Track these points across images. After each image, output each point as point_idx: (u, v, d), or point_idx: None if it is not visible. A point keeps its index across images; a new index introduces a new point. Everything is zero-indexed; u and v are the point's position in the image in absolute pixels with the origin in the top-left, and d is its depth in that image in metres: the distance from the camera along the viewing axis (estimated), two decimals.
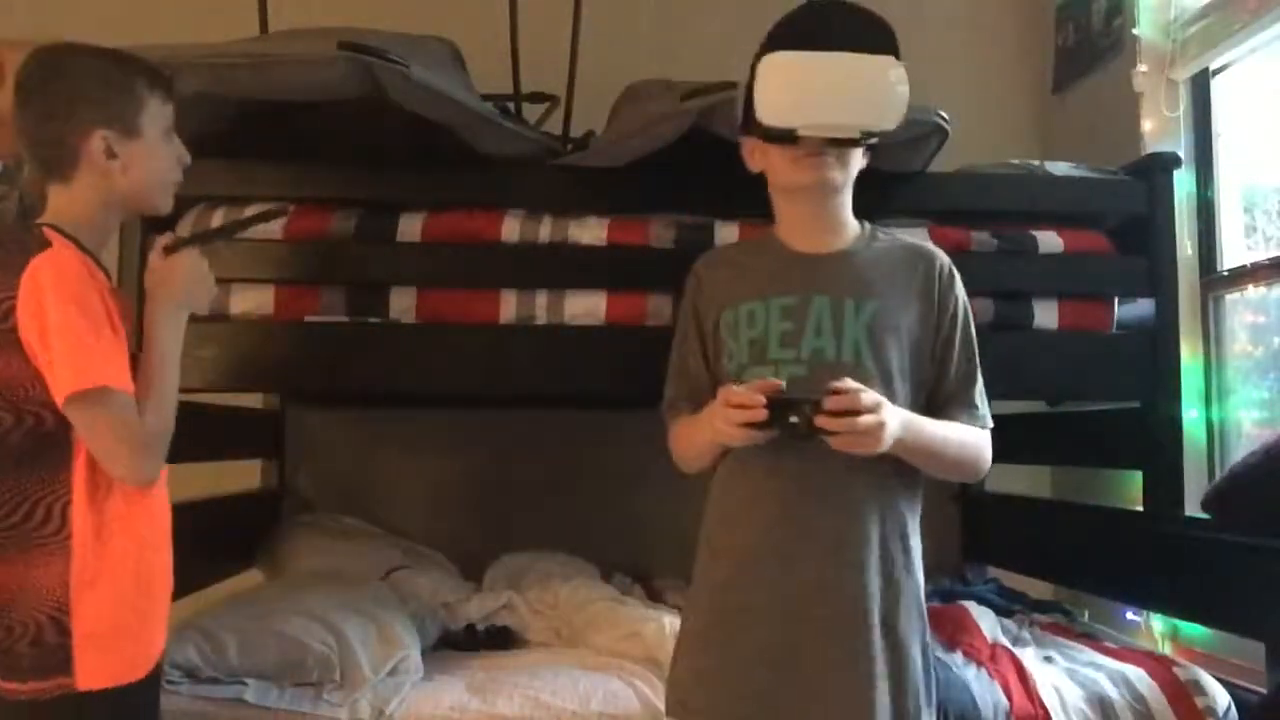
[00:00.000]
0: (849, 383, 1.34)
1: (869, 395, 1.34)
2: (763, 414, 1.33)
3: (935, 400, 1.54)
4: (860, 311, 1.46)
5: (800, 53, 1.44)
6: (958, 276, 1.57)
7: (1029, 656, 2.16)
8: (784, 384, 1.39)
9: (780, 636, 1.43)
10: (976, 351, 1.57)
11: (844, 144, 1.47)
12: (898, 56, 1.46)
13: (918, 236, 2.21)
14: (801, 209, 1.55)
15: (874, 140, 1.51)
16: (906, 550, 1.51)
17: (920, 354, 1.51)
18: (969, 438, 1.52)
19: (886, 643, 1.45)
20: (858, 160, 1.53)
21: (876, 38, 1.44)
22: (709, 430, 1.45)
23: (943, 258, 1.57)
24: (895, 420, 1.37)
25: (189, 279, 1.47)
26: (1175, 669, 2.07)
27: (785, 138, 1.46)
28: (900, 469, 1.48)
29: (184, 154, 1.52)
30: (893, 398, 1.42)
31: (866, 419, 1.32)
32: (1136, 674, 2.05)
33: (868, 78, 1.42)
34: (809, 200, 1.54)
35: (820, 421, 1.31)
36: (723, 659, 1.46)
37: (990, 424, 1.55)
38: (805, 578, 1.43)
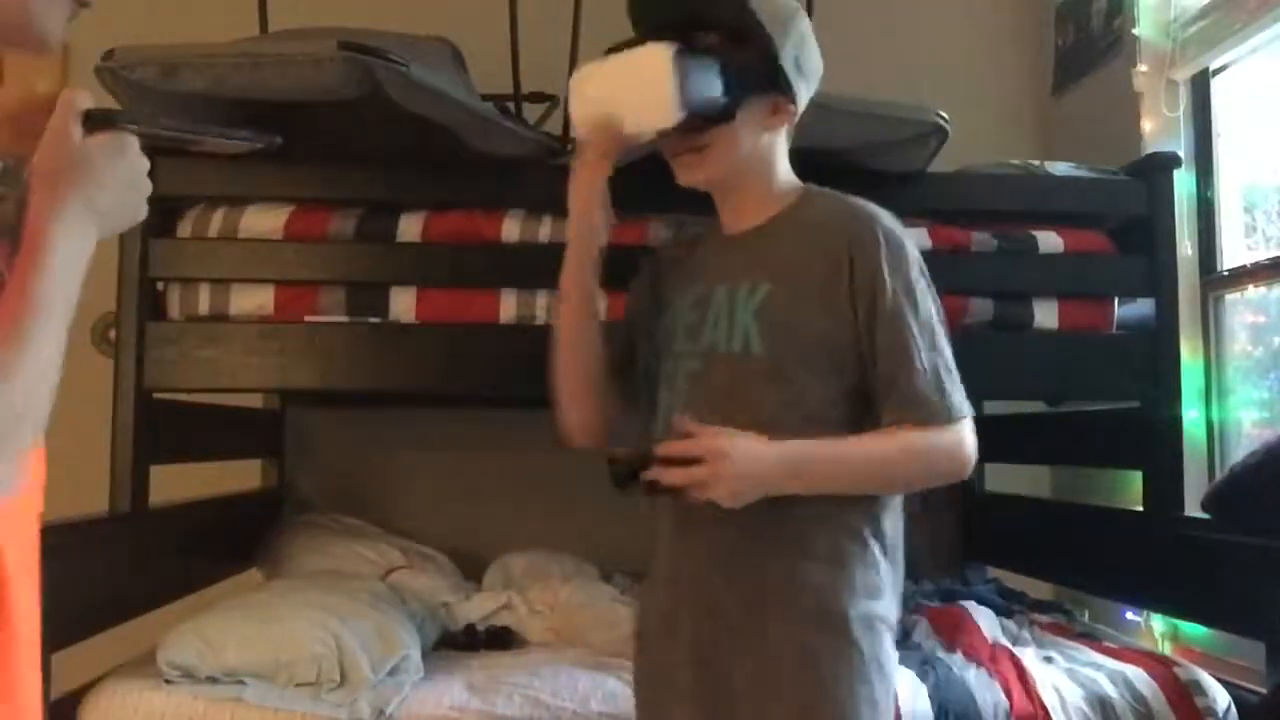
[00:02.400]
0: (690, 425, 1.21)
1: (705, 442, 1.19)
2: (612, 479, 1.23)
3: (874, 393, 1.30)
4: (752, 296, 1.31)
5: (590, 64, 1.39)
6: (888, 241, 1.30)
7: (1029, 656, 2.16)
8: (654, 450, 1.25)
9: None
10: (917, 329, 1.28)
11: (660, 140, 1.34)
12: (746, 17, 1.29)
13: (917, 236, 2.21)
14: (719, 200, 1.44)
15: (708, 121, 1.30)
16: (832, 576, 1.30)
17: (834, 342, 1.29)
18: (896, 446, 1.27)
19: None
20: (742, 137, 1.34)
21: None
22: None
23: (865, 220, 1.31)
24: (757, 463, 1.20)
25: (117, 173, 0.88)
26: (1175, 669, 2.07)
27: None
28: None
29: None
30: (796, 393, 1.28)
31: (699, 471, 1.17)
32: (1136, 674, 2.05)
33: (639, 77, 1.28)
34: (715, 193, 1.43)
35: (653, 474, 1.19)
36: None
37: (958, 414, 1.27)
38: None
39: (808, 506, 1.27)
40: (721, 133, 1.31)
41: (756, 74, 1.31)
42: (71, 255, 0.84)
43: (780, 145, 1.40)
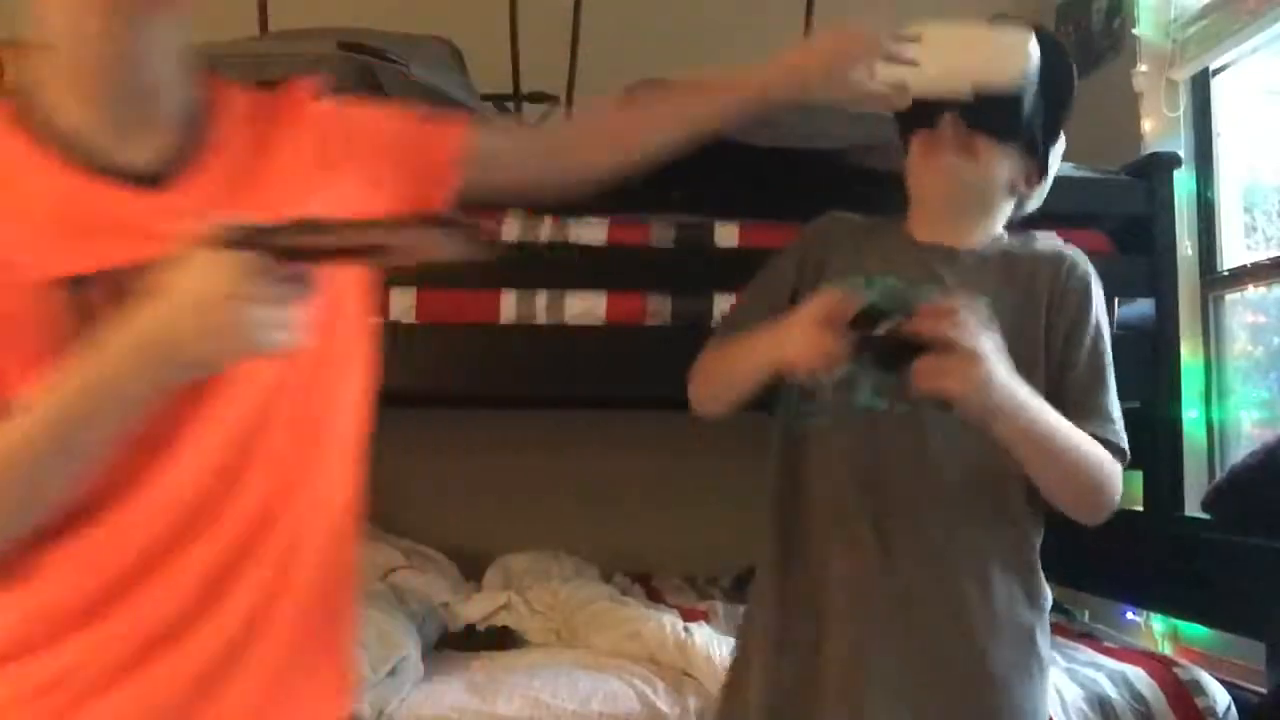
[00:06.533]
0: (953, 309, 1.11)
1: (974, 319, 1.09)
2: (849, 312, 1.11)
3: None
4: None
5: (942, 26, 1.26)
6: (1088, 280, 1.36)
7: None
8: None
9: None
10: (1107, 364, 1.36)
11: (953, 106, 1.29)
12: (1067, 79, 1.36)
13: None
14: (929, 206, 1.39)
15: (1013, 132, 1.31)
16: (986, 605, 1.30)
17: (1033, 372, 1.26)
18: (1091, 445, 1.26)
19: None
20: (1002, 170, 1.34)
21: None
22: (766, 348, 1.22)
23: (1071, 260, 1.37)
24: (1001, 368, 1.11)
25: (232, 308, 0.70)
26: (1175, 669, 2.07)
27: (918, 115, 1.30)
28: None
29: None
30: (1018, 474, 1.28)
31: (951, 363, 1.06)
32: (1136, 674, 2.05)
33: (1000, 42, 1.28)
34: (937, 198, 1.38)
35: (911, 325, 1.07)
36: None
37: (1122, 441, 1.31)
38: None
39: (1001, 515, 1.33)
40: (995, 149, 1.32)
41: (1044, 136, 1.36)
42: (116, 372, 0.71)
43: (1008, 209, 1.41)
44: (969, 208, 1.38)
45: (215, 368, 0.75)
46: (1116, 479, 1.29)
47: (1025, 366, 1.21)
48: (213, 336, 0.70)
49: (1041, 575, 1.39)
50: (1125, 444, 1.30)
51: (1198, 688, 2.02)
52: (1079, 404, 1.29)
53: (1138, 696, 1.99)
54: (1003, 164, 1.34)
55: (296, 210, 0.73)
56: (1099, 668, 2.10)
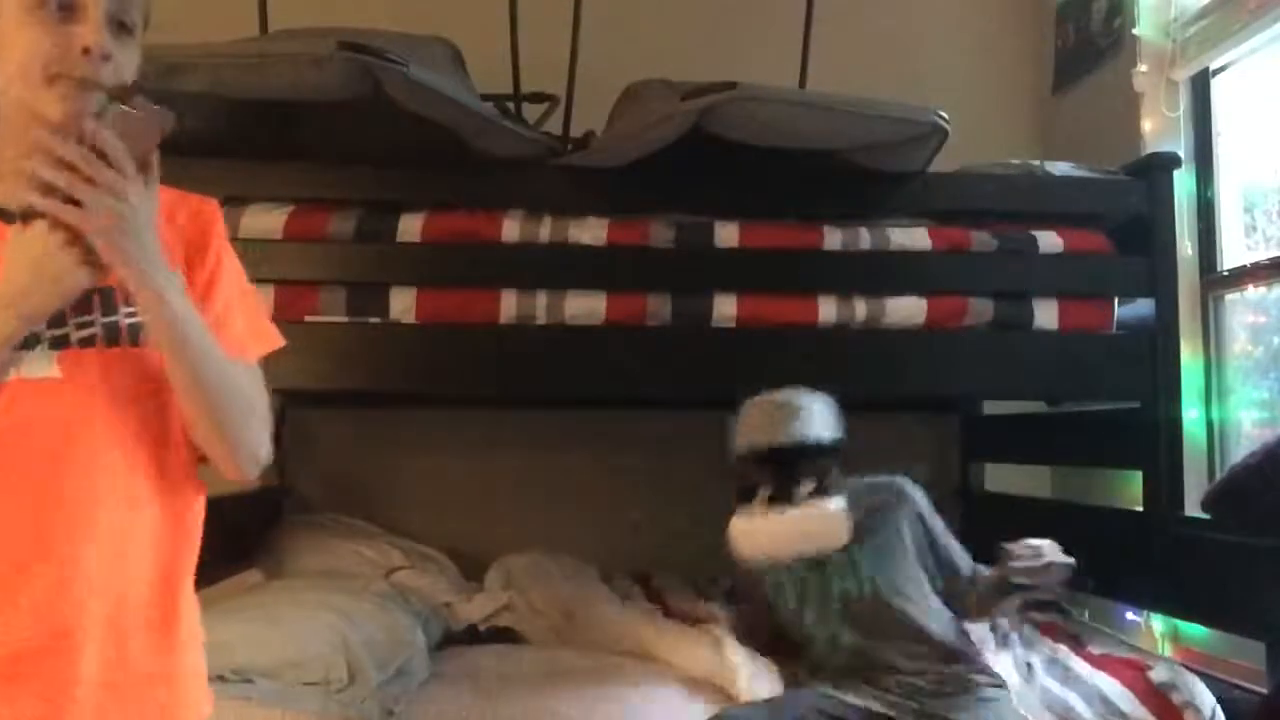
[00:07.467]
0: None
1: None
2: None
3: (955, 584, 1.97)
4: (862, 552, 1.88)
5: (758, 519, 1.83)
6: (915, 497, 1.94)
7: (1006, 665, 2.11)
8: None
9: None
10: (944, 534, 1.97)
11: None
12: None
13: (917, 236, 2.22)
14: None
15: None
16: None
17: (922, 563, 1.93)
18: None
19: None
20: None
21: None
22: None
23: (894, 489, 1.95)
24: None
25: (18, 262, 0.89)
26: (1148, 673, 2.03)
27: None
28: None
29: (89, 37, 0.95)
30: (921, 597, 1.89)
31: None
32: (1110, 686, 2.01)
33: (821, 527, 1.80)
34: None
35: None
36: None
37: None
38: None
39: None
40: None
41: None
42: None
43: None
44: None
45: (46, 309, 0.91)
46: None
47: (914, 563, 1.92)
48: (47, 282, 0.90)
49: None
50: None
51: (1173, 689, 1.98)
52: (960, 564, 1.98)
53: (1114, 710, 1.95)
54: None
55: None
56: (1075, 683, 2.06)
